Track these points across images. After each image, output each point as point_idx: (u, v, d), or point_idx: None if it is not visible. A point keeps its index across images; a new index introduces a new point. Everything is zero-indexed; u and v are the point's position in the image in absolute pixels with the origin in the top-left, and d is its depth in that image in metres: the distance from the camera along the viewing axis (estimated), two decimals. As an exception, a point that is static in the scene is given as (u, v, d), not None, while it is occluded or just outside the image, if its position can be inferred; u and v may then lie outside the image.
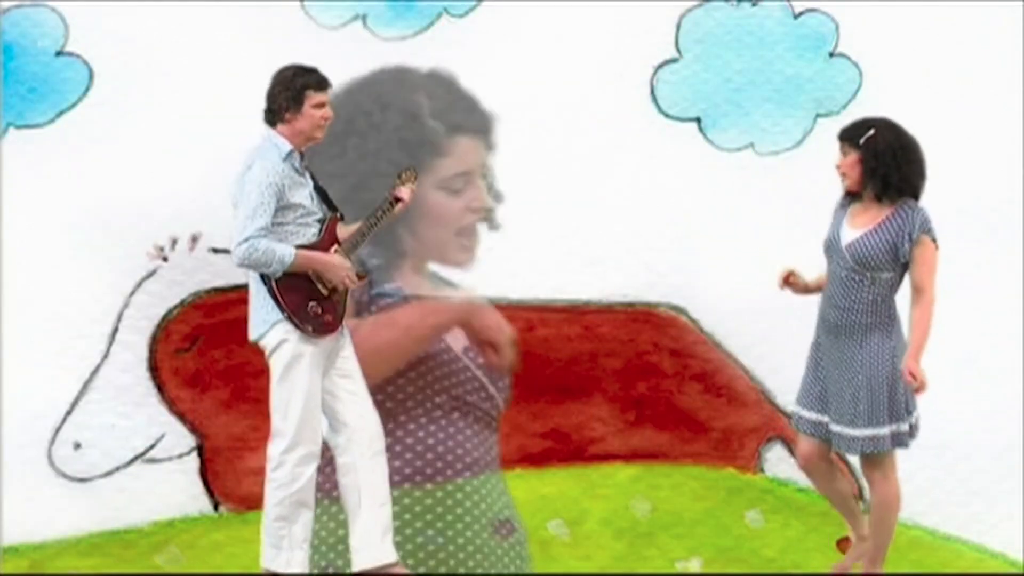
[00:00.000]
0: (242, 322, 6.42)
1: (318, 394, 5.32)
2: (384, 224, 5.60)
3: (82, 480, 6.19)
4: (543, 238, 6.46)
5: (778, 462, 6.45)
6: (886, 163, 5.19)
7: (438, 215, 2.47)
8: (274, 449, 5.30)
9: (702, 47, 6.60)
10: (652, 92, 6.58)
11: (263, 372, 6.40)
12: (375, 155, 2.43)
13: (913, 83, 6.46)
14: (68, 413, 6.23)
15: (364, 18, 6.51)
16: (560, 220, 6.47)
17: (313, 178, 5.48)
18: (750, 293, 6.35)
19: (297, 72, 5.38)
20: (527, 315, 6.45)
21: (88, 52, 6.37)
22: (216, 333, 6.29)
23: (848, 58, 6.56)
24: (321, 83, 5.39)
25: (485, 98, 6.48)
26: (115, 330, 6.29)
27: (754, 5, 6.61)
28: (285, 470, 5.28)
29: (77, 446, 6.22)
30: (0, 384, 6.11)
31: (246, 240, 5.17)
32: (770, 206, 6.47)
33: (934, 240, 5.23)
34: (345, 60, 6.43)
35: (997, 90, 6.48)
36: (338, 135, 2.51)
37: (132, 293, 6.29)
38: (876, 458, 5.29)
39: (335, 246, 5.42)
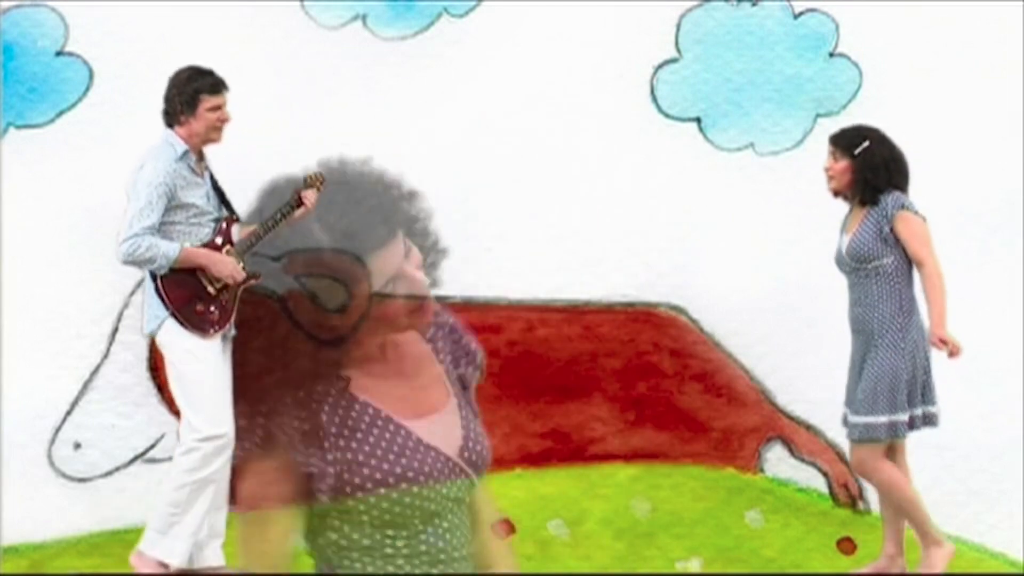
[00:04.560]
0: (242, 322, 6.42)
1: (223, 382, 5.33)
2: (282, 227, 5.62)
3: (82, 480, 6.19)
4: (543, 238, 6.46)
5: (778, 462, 6.45)
6: (878, 175, 5.45)
7: (384, 317, 2.45)
8: (188, 435, 5.33)
9: (702, 47, 6.60)
10: (652, 92, 6.58)
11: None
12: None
13: (913, 83, 6.47)
14: (68, 413, 6.23)
15: (364, 18, 6.51)
16: (560, 220, 6.47)
17: (212, 178, 5.53)
18: (750, 293, 6.35)
19: (192, 75, 5.47)
20: (527, 315, 6.45)
21: (88, 52, 6.37)
22: (216, 333, 6.29)
23: (848, 58, 6.56)
24: (215, 87, 5.48)
25: (484, 98, 6.50)
26: (115, 330, 6.29)
27: (754, 5, 6.61)
28: (195, 456, 5.29)
29: (77, 446, 6.21)
30: (0, 384, 6.11)
31: (130, 238, 5.25)
32: (770, 206, 6.46)
33: (916, 213, 5.43)
34: (345, 60, 6.45)
35: (997, 90, 6.47)
36: None
37: (132, 293, 6.28)
38: (861, 451, 5.41)
39: (228, 247, 5.47)
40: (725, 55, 6.60)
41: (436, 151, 6.38)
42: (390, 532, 2.47)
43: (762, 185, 6.50)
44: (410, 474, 2.46)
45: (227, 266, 5.41)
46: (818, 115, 6.53)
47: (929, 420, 5.40)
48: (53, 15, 6.38)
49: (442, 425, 2.55)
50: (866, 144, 5.46)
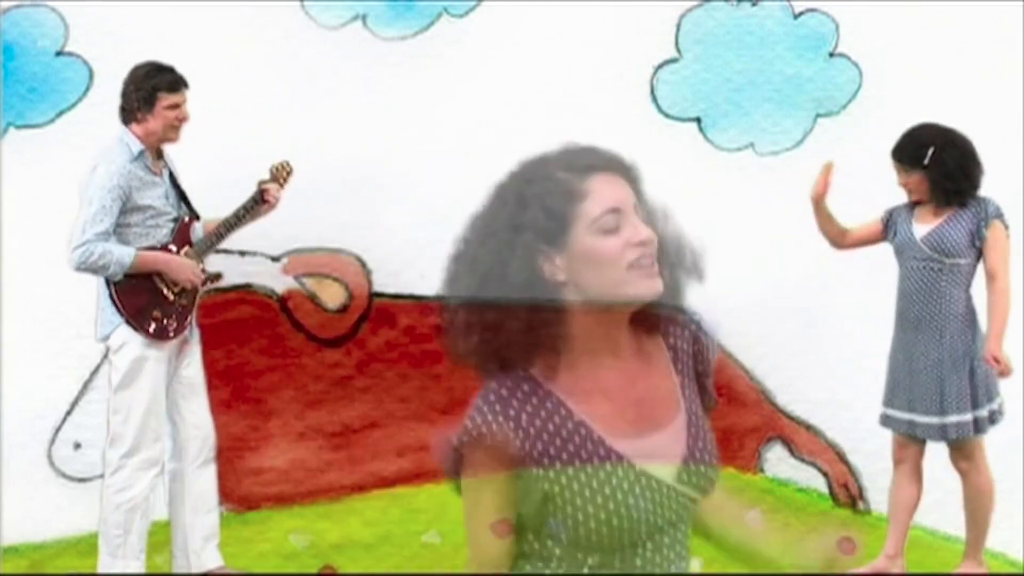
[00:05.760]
0: (242, 322, 6.44)
1: (161, 399, 5.29)
2: (245, 223, 5.58)
3: (82, 480, 6.18)
4: (543, 238, 6.45)
5: (778, 462, 6.45)
6: (956, 177, 5.35)
7: (601, 256, 2.33)
8: (113, 453, 5.28)
9: (702, 47, 6.59)
10: (652, 92, 6.58)
11: (263, 372, 6.42)
12: (520, 229, 2.34)
13: (913, 83, 6.46)
14: (68, 413, 6.23)
15: (364, 18, 6.50)
16: (560, 220, 6.45)
17: (172, 177, 5.44)
18: (750, 293, 6.34)
19: (151, 72, 5.33)
20: (527, 315, 6.44)
21: (88, 52, 6.37)
22: (216, 333, 6.28)
23: (848, 58, 6.56)
24: (174, 84, 5.31)
25: (484, 98, 6.50)
26: (115, 330, 6.28)
27: (754, 5, 6.61)
28: (123, 475, 5.26)
29: (77, 446, 6.21)
30: (0, 384, 6.11)
31: (82, 244, 5.15)
32: (770, 206, 6.46)
33: (1006, 226, 5.39)
34: (345, 60, 6.45)
35: (997, 90, 6.47)
36: (491, 229, 2.43)
37: (132, 293, 6.29)
38: (964, 448, 5.43)
39: (187, 247, 5.39)
40: (725, 55, 6.59)
41: (436, 151, 6.38)
42: (581, 554, 2.35)
43: (762, 185, 6.49)
44: (613, 506, 2.31)
45: (185, 270, 5.33)
46: (818, 115, 6.52)
47: (996, 415, 5.47)
48: (53, 15, 6.38)
49: (664, 443, 2.38)
50: (932, 151, 5.36)
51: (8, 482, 6.07)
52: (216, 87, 6.29)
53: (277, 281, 6.43)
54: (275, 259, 6.41)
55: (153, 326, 5.27)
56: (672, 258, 2.45)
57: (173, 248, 5.38)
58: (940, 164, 5.36)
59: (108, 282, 5.27)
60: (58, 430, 6.21)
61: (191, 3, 6.38)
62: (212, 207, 5.56)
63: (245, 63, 6.32)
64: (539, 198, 2.34)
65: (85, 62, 6.37)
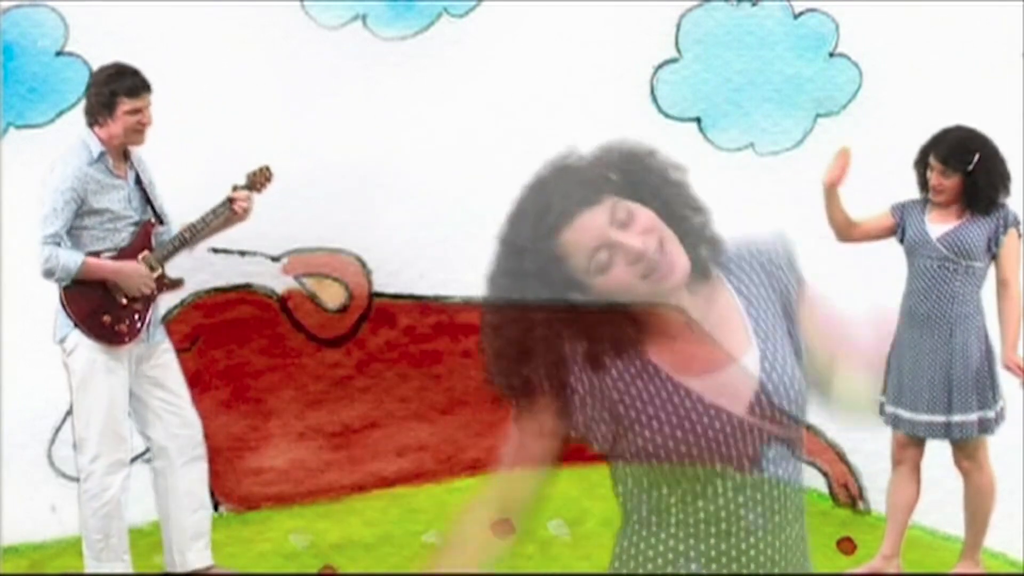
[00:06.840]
0: (242, 322, 6.44)
1: (121, 401, 5.23)
2: (214, 230, 5.48)
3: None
4: (543, 238, 6.45)
5: (778, 462, 6.45)
6: (997, 187, 5.36)
7: (615, 288, 2.34)
8: (82, 459, 5.26)
9: (702, 47, 6.60)
10: (652, 92, 6.58)
11: (263, 372, 6.43)
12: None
13: (913, 83, 6.46)
14: (68, 413, 6.21)
15: (364, 18, 6.51)
16: (560, 220, 6.45)
17: (138, 180, 5.36)
18: (750, 293, 6.34)
19: (111, 76, 5.23)
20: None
21: (88, 52, 6.36)
22: (216, 333, 6.29)
23: (848, 58, 6.56)
24: (134, 89, 5.19)
25: (484, 98, 6.50)
26: (115, 330, 6.28)
27: (754, 5, 6.61)
28: (94, 481, 5.24)
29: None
30: (0, 384, 6.11)
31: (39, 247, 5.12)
32: (770, 206, 6.46)
33: (1020, 235, 5.39)
34: (345, 60, 6.45)
35: (997, 90, 6.47)
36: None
37: (132, 293, 6.29)
38: (967, 448, 5.44)
39: (145, 252, 5.30)
40: (725, 55, 6.60)
41: (436, 151, 6.38)
42: (663, 491, 2.38)
43: (762, 185, 6.49)
44: (681, 433, 2.33)
45: (134, 279, 5.23)
46: (818, 115, 6.52)
47: (1000, 417, 5.49)
48: (53, 15, 6.38)
49: (733, 378, 2.39)
50: (977, 159, 5.35)
51: (8, 482, 6.07)
52: (216, 87, 6.29)
53: (277, 281, 6.43)
54: (275, 259, 6.41)
55: (104, 331, 5.20)
56: (678, 214, 2.62)
57: (136, 246, 5.29)
58: (985, 172, 5.36)
59: (60, 284, 5.23)
60: (58, 430, 6.20)
61: (191, 3, 6.38)
62: (210, 207, 5.56)
63: (245, 63, 6.33)
64: (537, 274, 2.38)
65: (85, 62, 6.36)
